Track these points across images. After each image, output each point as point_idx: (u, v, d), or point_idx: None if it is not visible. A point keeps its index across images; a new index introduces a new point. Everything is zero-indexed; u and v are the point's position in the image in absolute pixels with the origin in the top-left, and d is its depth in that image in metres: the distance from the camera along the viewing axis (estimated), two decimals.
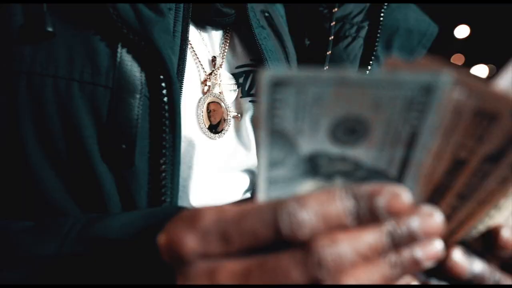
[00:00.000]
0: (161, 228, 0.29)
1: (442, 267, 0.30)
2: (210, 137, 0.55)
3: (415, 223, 0.25)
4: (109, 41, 0.45)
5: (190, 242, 0.25)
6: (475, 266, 0.30)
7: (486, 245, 0.30)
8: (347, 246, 0.24)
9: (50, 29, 0.43)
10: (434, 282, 0.31)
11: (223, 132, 0.57)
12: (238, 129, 0.59)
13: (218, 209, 0.26)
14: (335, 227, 0.25)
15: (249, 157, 0.58)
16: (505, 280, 0.31)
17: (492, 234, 0.30)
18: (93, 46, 0.44)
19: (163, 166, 0.46)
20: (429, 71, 0.24)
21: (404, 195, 0.25)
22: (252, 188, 0.59)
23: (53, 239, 0.36)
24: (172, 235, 0.26)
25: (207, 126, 0.55)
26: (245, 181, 0.59)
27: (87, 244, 0.34)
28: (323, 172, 0.27)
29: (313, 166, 0.26)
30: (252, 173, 0.60)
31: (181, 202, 0.51)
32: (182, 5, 0.53)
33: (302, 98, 0.24)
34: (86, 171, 0.44)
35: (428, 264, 0.26)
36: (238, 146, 0.58)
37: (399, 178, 0.27)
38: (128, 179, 0.46)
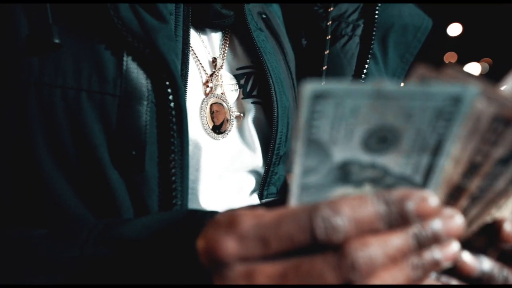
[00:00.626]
0: (182, 229, 0.31)
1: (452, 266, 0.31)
2: (214, 138, 0.56)
3: (438, 225, 0.27)
4: (115, 50, 0.46)
5: (229, 246, 0.27)
6: (484, 265, 0.32)
7: (489, 239, 0.32)
8: (378, 249, 0.26)
9: (57, 40, 0.43)
10: (444, 279, 0.32)
11: (226, 132, 0.58)
12: (241, 129, 0.60)
13: (256, 214, 0.27)
14: (367, 230, 0.26)
15: (254, 158, 0.59)
16: None
17: (495, 228, 0.32)
18: (99, 55, 0.45)
19: (173, 170, 0.47)
20: (458, 82, 0.25)
21: (432, 199, 0.27)
22: (259, 188, 0.60)
23: (73, 244, 0.36)
24: (211, 239, 0.27)
25: (210, 127, 0.56)
26: (251, 182, 0.61)
27: (109, 248, 0.35)
28: (354, 179, 0.28)
29: (344, 173, 0.28)
30: (257, 174, 0.61)
31: (191, 205, 0.53)
32: (182, 9, 0.53)
33: (340, 109, 0.25)
34: (97, 178, 0.45)
35: (447, 264, 0.28)
36: (242, 146, 0.59)
37: (423, 184, 0.28)
38: (139, 184, 0.47)
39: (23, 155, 0.44)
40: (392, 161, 0.28)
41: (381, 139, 0.27)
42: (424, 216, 0.27)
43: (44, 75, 0.43)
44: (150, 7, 0.48)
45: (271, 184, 0.61)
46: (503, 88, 0.30)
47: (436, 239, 0.27)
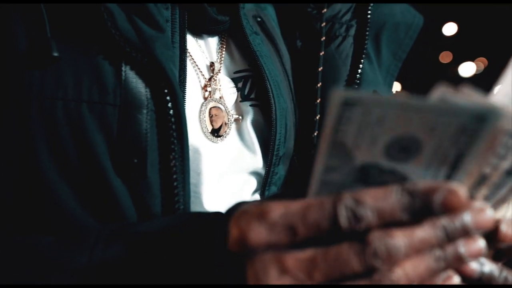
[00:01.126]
0: (195, 226, 0.33)
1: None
2: (213, 141, 0.57)
3: (468, 218, 0.27)
4: (113, 61, 0.47)
5: (261, 233, 0.28)
6: (485, 267, 0.33)
7: (487, 240, 0.32)
8: (401, 239, 0.27)
9: (56, 54, 0.44)
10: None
11: (224, 135, 0.59)
12: (240, 132, 0.61)
13: (284, 204, 0.29)
14: (390, 220, 0.27)
15: (254, 159, 0.60)
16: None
17: (492, 229, 0.32)
18: (98, 66, 0.46)
19: (174, 176, 0.48)
20: (485, 102, 0.26)
21: (461, 191, 0.27)
22: (260, 189, 0.61)
23: (83, 250, 0.37)
24: (244, 228, 0.29)
25: (209, 131, 0.57)
26: (253, 183, 0.62)
27: (122, 246, 0.36)
28: (372, 182, 0.29)
29: (364, 175, 0.29)
30: (258, 175, 0.62)
31: (193, 208, 0.54)
32: (177, 15, 0.55)
33: (367, 118, 0.26)
34: (101, 186, 0.46)
35: (471, 260, 0.28)
36: (242, 148, 0.60)
37: None
38: (142, 191, 0.48)
39: (27, 165, 0.45)
40: (411, 170, 0.28)
41: (402, 148, 0.28)
42: (452, 208, 0.27)
43: (45, 88, 0.44)
44: (147, 16, 0.49)
45: (272, 184, 0.62)
46: (497, 88, 0.31)
47: (465, 232, 0.27)
